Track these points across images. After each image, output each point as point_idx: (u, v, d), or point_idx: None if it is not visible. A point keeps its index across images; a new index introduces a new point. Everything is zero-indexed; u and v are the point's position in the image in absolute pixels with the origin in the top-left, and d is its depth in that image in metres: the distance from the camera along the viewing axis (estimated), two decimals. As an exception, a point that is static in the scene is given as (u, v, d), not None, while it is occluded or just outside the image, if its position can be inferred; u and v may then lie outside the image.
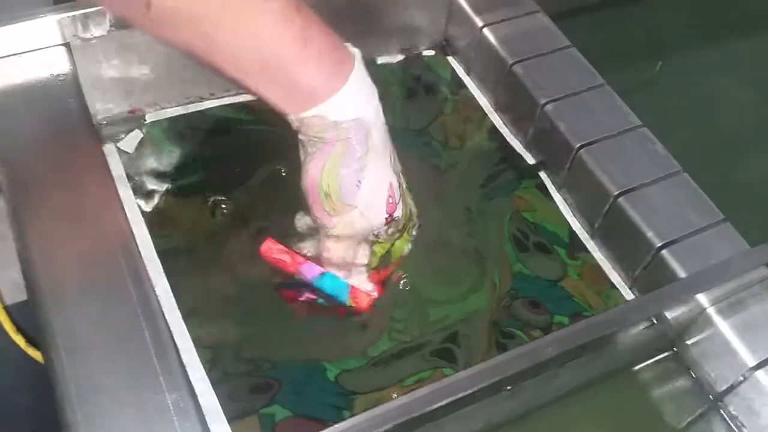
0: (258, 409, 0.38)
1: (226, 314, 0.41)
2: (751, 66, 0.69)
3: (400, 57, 0.57)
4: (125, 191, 0.43)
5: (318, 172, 0.37)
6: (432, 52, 0.58)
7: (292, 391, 0.39)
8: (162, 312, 0.36)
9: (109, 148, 0.46)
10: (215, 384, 0.35)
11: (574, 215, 0.49)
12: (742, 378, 0.40)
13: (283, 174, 0.48)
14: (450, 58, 0.58)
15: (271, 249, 0.40)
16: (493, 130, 0.54)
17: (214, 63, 0.35)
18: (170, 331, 0.36)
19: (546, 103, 0.49)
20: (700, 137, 0.59)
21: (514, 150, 0.52)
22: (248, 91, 0.36)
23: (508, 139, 0.53)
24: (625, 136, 0.48)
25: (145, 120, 0.49)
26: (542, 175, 0.51)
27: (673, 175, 0.46)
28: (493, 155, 0.52)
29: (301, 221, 0.42)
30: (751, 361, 0.40)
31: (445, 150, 0.52)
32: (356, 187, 0.37)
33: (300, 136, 0.37)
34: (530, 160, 0.51)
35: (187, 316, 0.37)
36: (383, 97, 0.38)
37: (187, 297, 0.39)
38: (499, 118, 0.54)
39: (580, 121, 0.48)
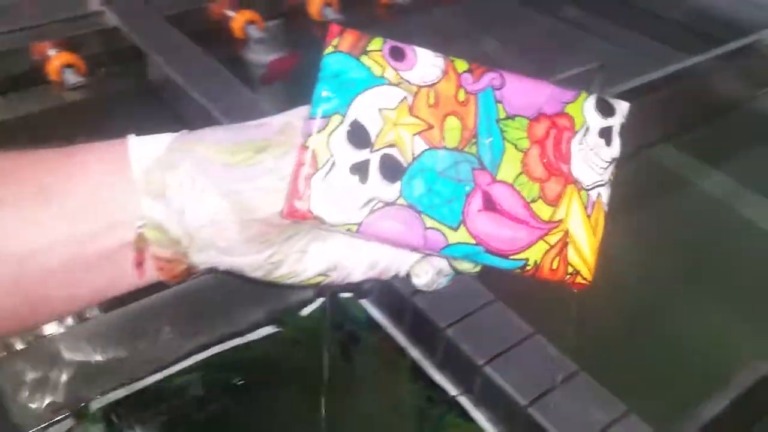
0: None
1: None
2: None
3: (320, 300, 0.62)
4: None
5: None
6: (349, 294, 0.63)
7: None
8: None
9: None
10: None
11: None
12: None
13: None
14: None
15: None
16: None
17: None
18: None
19: (446, 327, 0.53)
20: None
21: (435, 383, 0.55)
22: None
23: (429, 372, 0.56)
24: (522, 346, 0.51)
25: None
26: (461, 399, 0.53)
27: (572, 376, 0.49)
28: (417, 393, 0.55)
29: None
30: None
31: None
32: None
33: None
34: (452, 391, 0.54)
35: None
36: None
37: None
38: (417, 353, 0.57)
39: (480, 339, 0.52)
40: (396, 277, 0.39)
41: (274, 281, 0.37)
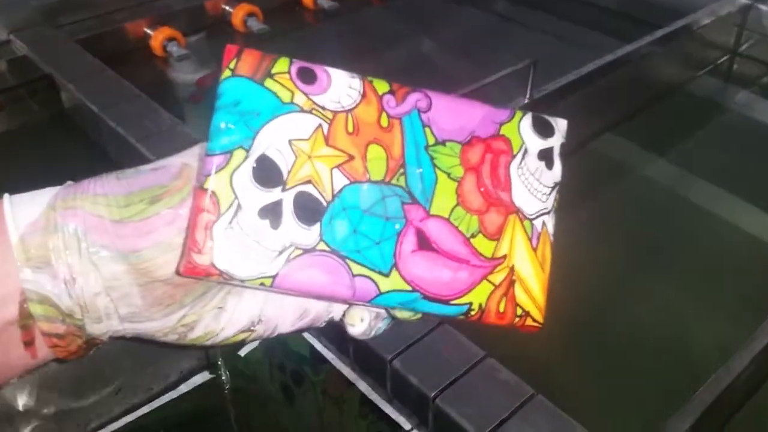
0: None
1: None
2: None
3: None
4: None
5: None
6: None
7: None
8: None
9: None
10: None
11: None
12: None
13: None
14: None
15: None
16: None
17: None
18: None
19: (392, 359, 0.49)
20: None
21: (387, 416, 0.51)
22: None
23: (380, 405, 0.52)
24: (474, 371, 0.48)
25: None
26: (413, 432, 0.50)
27: (528, 401, 0.46)
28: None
29: None
30: None
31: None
32: None
33: None
34: (405, 425, 0.50)
35: None
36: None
37: None
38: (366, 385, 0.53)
39: (429, 368, 0.48)
40: (331, 321, 0.35)
41: (191, 344, 0.33)
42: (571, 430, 0.44)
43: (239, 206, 0.28)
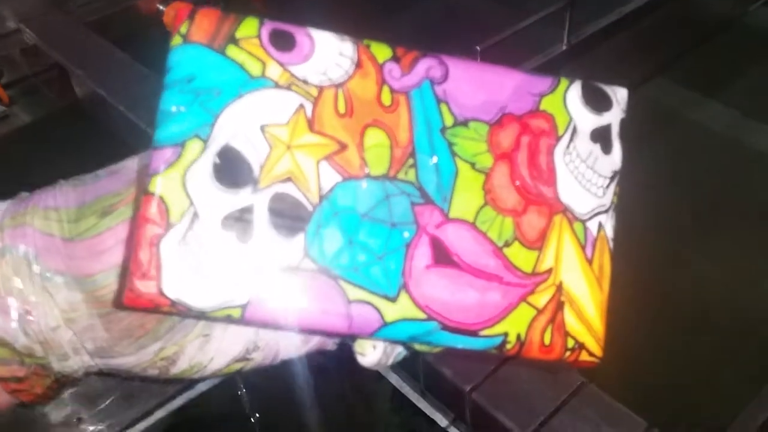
0: None
1: None
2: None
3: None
4: None
5: None
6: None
7: None
8: None
9: None
10: None
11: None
12: None
13: None
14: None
15: None
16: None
17: None
18: None
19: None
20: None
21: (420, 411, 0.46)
22: None
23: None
24: (511, 362, 0.42)
25: None
26: (451, 430, 0.45)
27: (577, 391, 0.40)
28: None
29: None
30: None
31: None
32: None
33: None
34: (442, 421, 0.45)
35: None
36: None
37: None
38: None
39: (463, 360, 0.43)
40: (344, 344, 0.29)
41: (177, 379, 0.28)
42: (629, 421, 0.38)
43: (195, 215, 0.22)
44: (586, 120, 0.26)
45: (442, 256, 0.24)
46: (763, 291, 0.57)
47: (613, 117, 0.26)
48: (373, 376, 0.48)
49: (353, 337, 0.26)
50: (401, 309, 0.23)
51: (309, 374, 0.48)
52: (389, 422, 0.48)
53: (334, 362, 0.50)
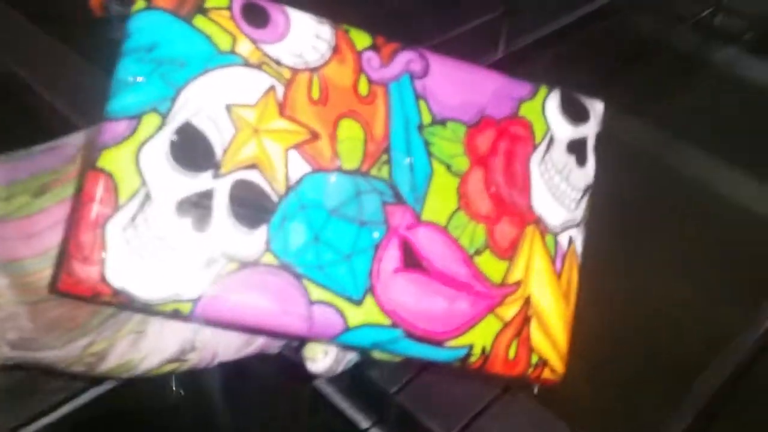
0: None
1: None
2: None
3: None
4: None
5: None
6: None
7: None
8: None
9: None
10: None
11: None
12: None
13: None
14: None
15: None
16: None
17: None
18: None
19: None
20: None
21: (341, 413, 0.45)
22: None
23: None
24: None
25: None
26: None
27: (500, 396, 0.40)
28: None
29: None
30: None
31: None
32: None
33: None
34: (362, 423, 0.44)
35: None
36: None
37: None
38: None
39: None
40: (289, 347, 0.28)
41: (105, 377, 0.26)
42: (554, 428, 0.38)
43: (147, 196, 0.20)
44: (564, 130, 0.25)
45: (411, 261, 0.22)
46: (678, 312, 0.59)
47: (590, 130, 0.26)
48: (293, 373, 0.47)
49: (304, 341, 0.25)
50: (366, 313, 0.22)
51: (225, 370, 0.46)
52: (308, 423, 0.46)
53: (253, 358, 0.48)
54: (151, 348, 0.25)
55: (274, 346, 0.27)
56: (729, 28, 0.96)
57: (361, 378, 0.42)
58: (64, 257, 0.20)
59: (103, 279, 0.20)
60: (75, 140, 0.24)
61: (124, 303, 0.20)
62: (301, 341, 0.26)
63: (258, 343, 0.26)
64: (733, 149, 0.76)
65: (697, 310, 0.59)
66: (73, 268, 0.19)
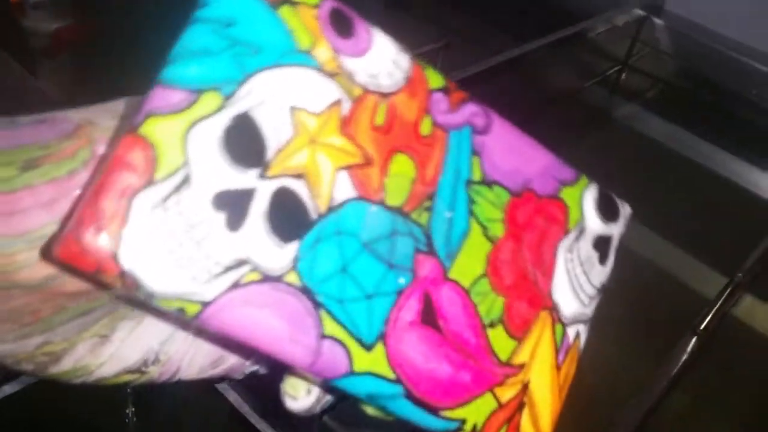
0: None
1: None
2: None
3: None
4: None
5: None
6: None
7: None
8: None
9: None
10: None
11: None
12: None
13: None
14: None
15: None
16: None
17: None
18: None
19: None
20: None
21: None
22: None
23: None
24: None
25: None
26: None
27: None
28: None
29: None
30: None
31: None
32: None
33: None
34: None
35: None
36: None
37: None
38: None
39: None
40: (254, 374, 0.26)
41: (53, 378, 0.23)
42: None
43: (187, 179, 0.18)
44: (594, 224, 0.25)
45: (429, 317, 0.21)
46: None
47: (617, 230, 0.26)
48: (209, 391, 0.45)
49: (281, 374, 0.23)
50: (372, 361, 0.20)
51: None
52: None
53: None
54: (112, 355, 0.22)
55: (241, 371, 0.25)
56: (633, 86, 1.02)
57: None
58: (73, 221, 0.17)
59: (113, 255, 0.17)
60: (73, 115, 0.21)
61: (125, 288, 0.18)
62: (272, 372, 0.24)
63: (227, 364, 0.24)
64: (624, 196, 0.80)
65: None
66: (83, 235, 0.17)
